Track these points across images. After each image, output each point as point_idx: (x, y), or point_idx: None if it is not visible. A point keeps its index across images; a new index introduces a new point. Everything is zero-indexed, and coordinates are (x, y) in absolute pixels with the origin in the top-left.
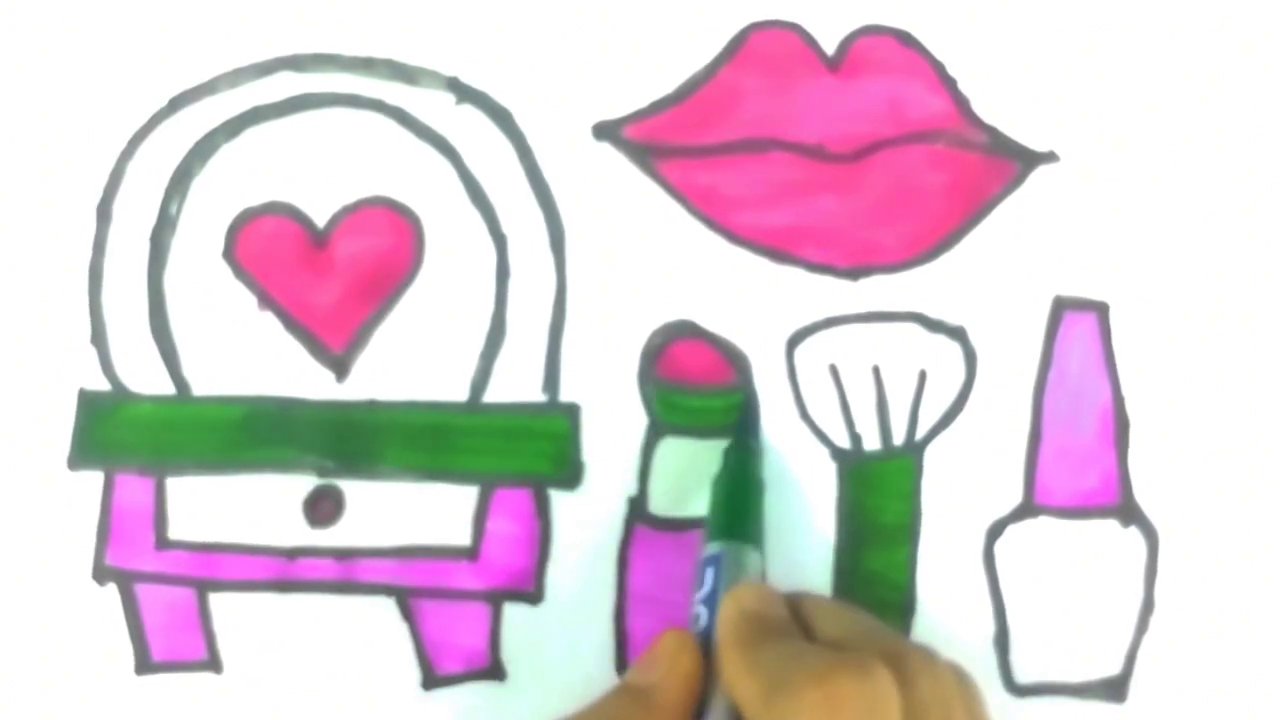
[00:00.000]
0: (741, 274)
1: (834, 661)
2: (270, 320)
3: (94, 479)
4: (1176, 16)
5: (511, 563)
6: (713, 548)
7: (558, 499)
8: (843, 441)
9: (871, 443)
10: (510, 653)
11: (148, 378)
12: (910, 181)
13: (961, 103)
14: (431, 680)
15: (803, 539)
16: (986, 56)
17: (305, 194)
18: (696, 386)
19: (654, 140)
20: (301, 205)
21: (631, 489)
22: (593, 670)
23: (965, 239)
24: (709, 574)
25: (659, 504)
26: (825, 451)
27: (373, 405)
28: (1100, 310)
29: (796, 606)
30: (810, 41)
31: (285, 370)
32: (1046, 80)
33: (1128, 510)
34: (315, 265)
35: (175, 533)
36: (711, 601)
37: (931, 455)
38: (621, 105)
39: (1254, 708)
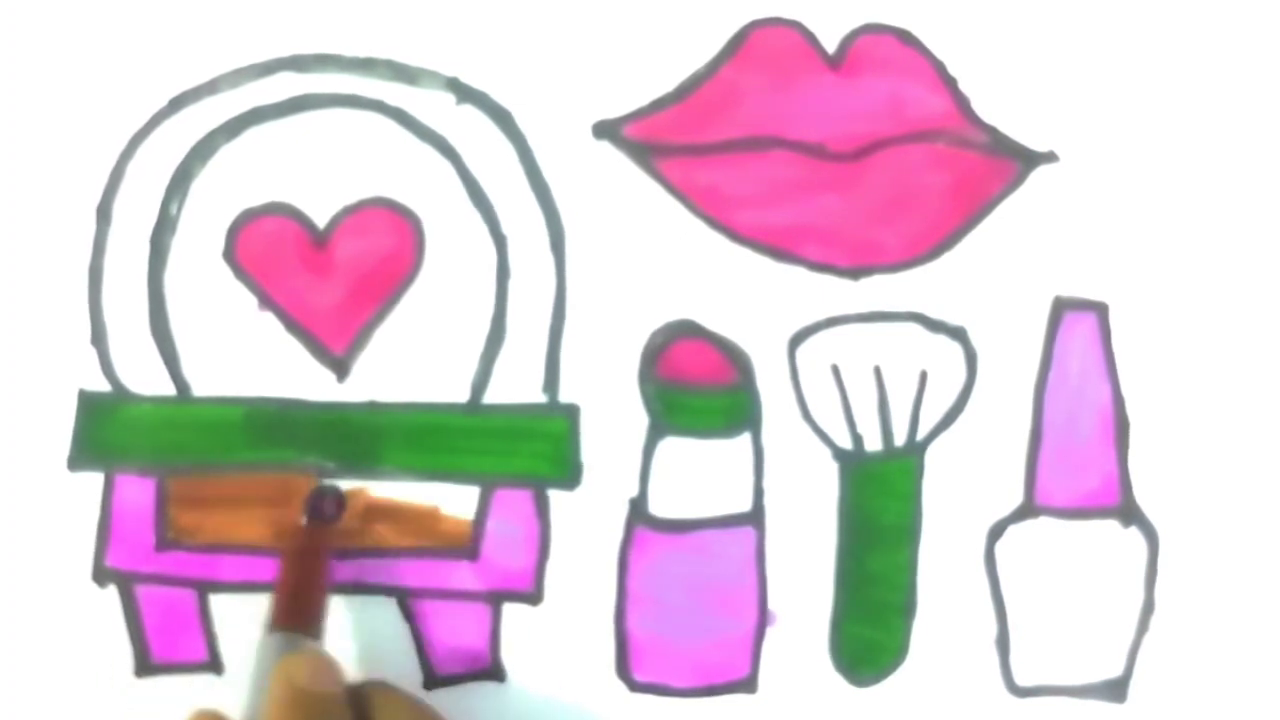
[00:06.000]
0: (742, 273)
1: None
2: (270, 321)
3: (94, 480)
4: (1176, 16)
5: (511, 563)
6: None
7: (558, 499)
8: (844, 442)
9: (873, 443)
10: (510, 653)
11: (148, 378)
12: (911, 181)
13: (962, 102)
14: (432, 680)
15: (804, 539)
16: (986, 56)
17: (305, 194)
18: (697, 386)
19: (654, 139)
20: (302, 205)
21: (631, 489)
22: (592, 671)
23: (965, 239)
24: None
25: (659, 504)
26: (827, 452)
27: (373, 406)
28: (1100, 310)
29: (360, 693)
30: (811, 39)
31: (285, 371)
32: (1046, 80)
33: (1128, 511)
34: (315, 266)
35: (175, 533)
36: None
37: (932, 456)
38: (621, 104)
39: (1254, 708)
